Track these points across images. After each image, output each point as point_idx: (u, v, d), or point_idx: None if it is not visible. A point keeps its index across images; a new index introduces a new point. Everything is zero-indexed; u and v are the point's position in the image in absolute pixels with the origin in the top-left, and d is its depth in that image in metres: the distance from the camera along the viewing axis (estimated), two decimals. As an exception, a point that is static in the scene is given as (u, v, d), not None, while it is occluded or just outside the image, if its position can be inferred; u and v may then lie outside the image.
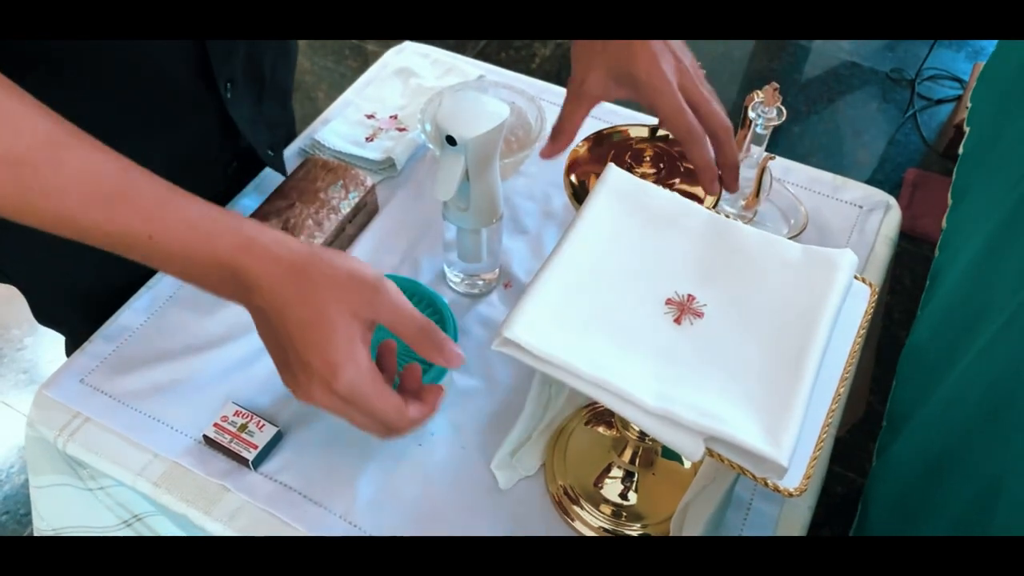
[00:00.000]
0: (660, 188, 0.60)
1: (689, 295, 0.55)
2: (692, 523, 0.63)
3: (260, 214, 0.85)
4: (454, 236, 0.80)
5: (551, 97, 1.06)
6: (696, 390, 0.50)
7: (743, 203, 0.88)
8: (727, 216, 0.60)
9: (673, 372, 0.51)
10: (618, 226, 0.57)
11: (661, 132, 0.73)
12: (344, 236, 0.87)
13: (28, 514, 1.50)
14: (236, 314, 0.84)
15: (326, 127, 1.00)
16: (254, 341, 0.81)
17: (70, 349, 1.11)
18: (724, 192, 0.84)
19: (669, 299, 0.54)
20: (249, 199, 0.94)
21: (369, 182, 0.89)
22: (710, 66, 2.45)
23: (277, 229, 0.82)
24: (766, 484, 0.48)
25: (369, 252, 0.90)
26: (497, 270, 0.86)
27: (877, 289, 0.57)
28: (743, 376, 0.50)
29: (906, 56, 2.48)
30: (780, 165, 0.98)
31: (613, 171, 0.60)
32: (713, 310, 0.54)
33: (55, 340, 1.73)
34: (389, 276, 0.77)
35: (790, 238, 0.89)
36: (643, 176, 0.72)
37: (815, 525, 0.74)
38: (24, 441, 0.80)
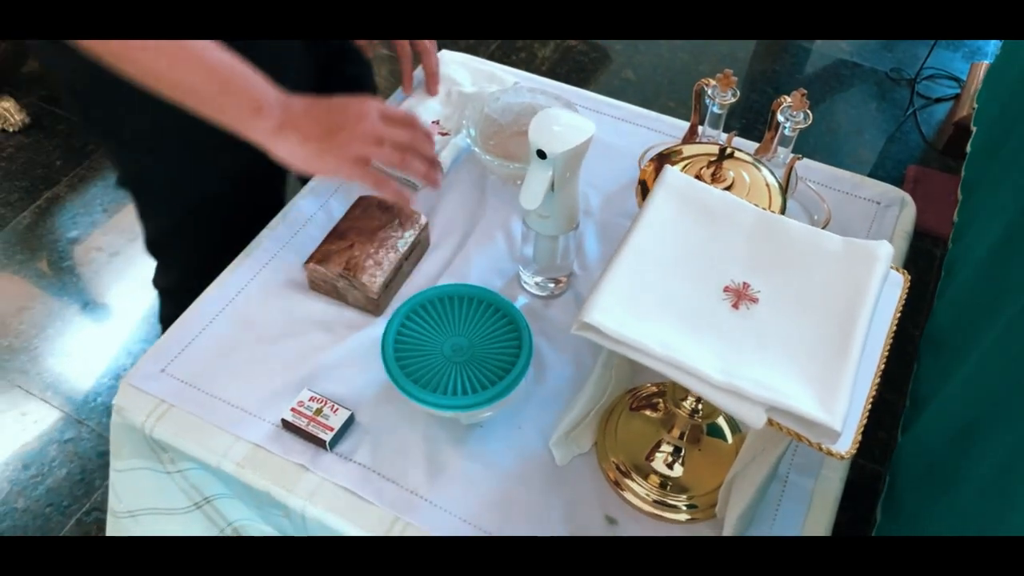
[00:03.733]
0: (713, 187, 0.66)
1: (744, 283, 0.61)
2: (738, 494, 0.70)
3: (320, 254, 0.89)
4: (530, 241, 0.86)
5: (579, 100, 1.13)
6: (755, 366, 0.56)
7: (771, 200, 0.95)
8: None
9: (734, 351, 0.57)
10: (677, 221, 0.64)
11: (728, 151, 0.80)
12: (401, 273, 0.92)
13: (71, 505, 1.55)
14: (305, 306, 0.90)
15: (374, 132, 1.06)
16: (325, 331, 0.88)
17: (162, 278, 1.18)
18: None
19: (727, 286, 0.61)
20: (306, 201, 1.01)
21: (423, 220, 0.93)
22: (713, 67, 2.51)
23: (339, 269, 0.87)
24: (820, 449, 0.55)
25: (430, 255, 0.96)
26: (569, 274, 0.92)
27: (910, 278, 0.64)
28: (796, 354, 0.57)
29: (905, 56, 2.55)
30: (801, 164, 1.05)
31: (670, 172, 0.66)
32: (766, 296, 0.60)
33: (90, 337, 1.78)
34: (463, 285, 0.83)
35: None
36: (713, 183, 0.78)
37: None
38: (110, 428, 0.86)
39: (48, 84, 2.27)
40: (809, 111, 0.89)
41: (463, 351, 0.80)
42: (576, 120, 0.77)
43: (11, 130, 2.11)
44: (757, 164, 0.84)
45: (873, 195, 1.02)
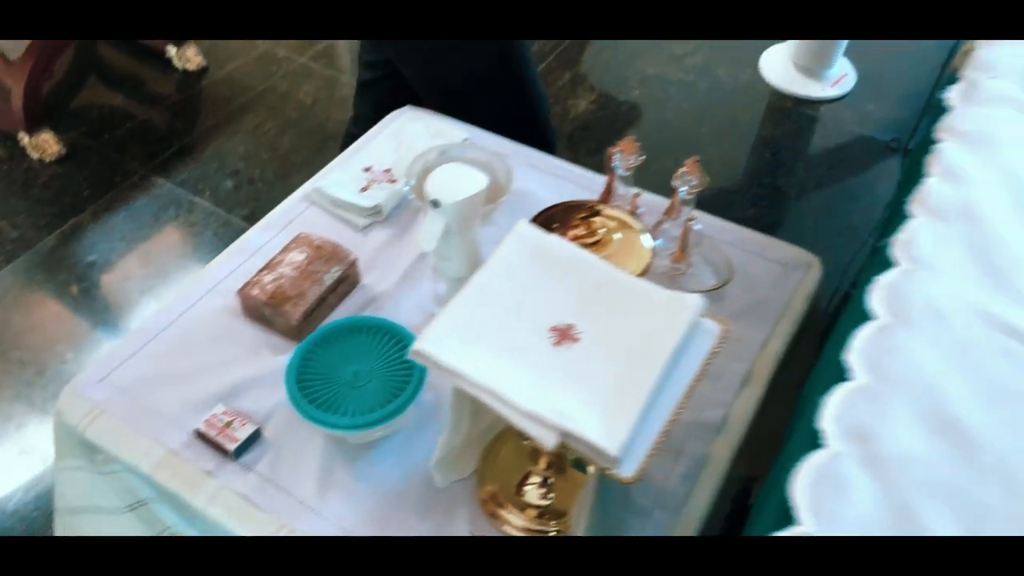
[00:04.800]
0: (563, 240, 0.74)
1: (570, 324, 0.68)
2: (580, 513, 0.76)
3: (252, 283, 0.99)
4: (443, 283, 0.94)
5: (520, 156, 1.22)
6: (560, 397, 0.63)
7: (672, 257, 1.02)
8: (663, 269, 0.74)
9: (546, 383, 0.64)
10: (521, 266, 0.71)
11: (596, 208, 0.89)
12: (326, 305, 1.00)
13: (57, 510, 1.66)
14: (237, 330, 1.00)
15: (328, 178, 1.17)
16: (252, 352, 0.97)
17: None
18: (658, 248, 0.99)
19: (554, 326, 0.68)
20: (256, 235, 1.11)
21: (352, 258, 1.02)
22: (718, 129, 2.59)
23: (266, 298, 0.96)
24: (606, 472, 0.61)
25: (359, 290, 1.05)
26: None
27: (728, 331, 0.70)
28: (600, 389, 0.64)
29: (906, 127, 2.60)
30: (717, 225, 1.12)
31: (523, 225, 0.74)
32: (588, 337, 0.67)
33: (97, 356, 1.91)
34: (366, 317, 0.91)
35: (716, 288, 1.03)
36: (579, 237, 0.87)
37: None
38: (52, 428, 0.96)
39: (92, 119, 2.46)
40: (702, 176, 0.96)
41: (362, 377, 0.88)
42: (471, 174, 0.86)
43: (47, 160, 2.29)
44: (641, 224, 0.92)
45: (781, 257, 1.08)
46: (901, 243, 0.64)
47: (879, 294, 0.61)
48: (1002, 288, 0.60)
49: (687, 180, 0.96)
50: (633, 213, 1.03)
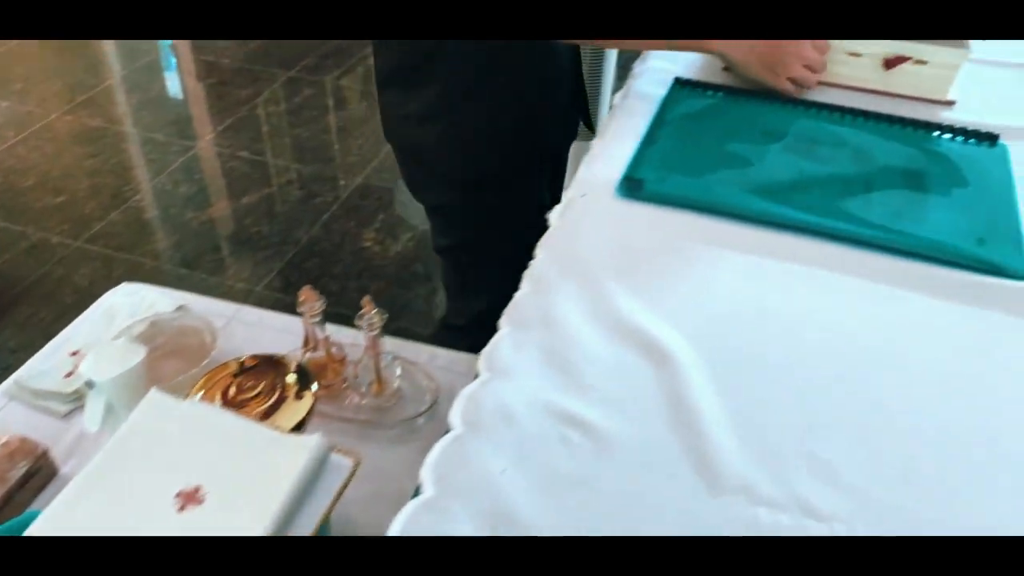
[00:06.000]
0: (194, 402, 0.76)
1: (197, 487, 0.69)
2: None
3: None
4: None
5: (230, 314, 1.24)
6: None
7: (374, 393, 1.06)
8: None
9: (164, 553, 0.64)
10: (149, 437, 0.72)
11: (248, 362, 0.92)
12: (15, 503, 0.95)
13: None
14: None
15: (28, 368, 1.14)
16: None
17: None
18: (366, 389, 1.03)
19: (180, 491, 0.69)
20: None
21: (41, 449, 0.98)
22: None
23: None
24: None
25: (57, 481, 1.02)
26: None
27: (359, 462, 0.73)
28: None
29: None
30: (428, 352, 1.17)
31: (153, 393, 0.76)
32: (214, 495, 0.68)
33: None
34: (33, 513, 0.88)
35: (424, 412, 1.07)
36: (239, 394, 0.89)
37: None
38: None
39: None
40: (380, 314, 1.02)
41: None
42: (127, 349, 0.87)
43: None
44: (311, 372, 0.95)
45: (486, 373, 1.14)
46: (484, 356, 0.70)
47: (458, 407, 0.67)
48: (569, 383, 0.67)
49: (367, 319, 1.01)
50: (329, 355, 1.07)
